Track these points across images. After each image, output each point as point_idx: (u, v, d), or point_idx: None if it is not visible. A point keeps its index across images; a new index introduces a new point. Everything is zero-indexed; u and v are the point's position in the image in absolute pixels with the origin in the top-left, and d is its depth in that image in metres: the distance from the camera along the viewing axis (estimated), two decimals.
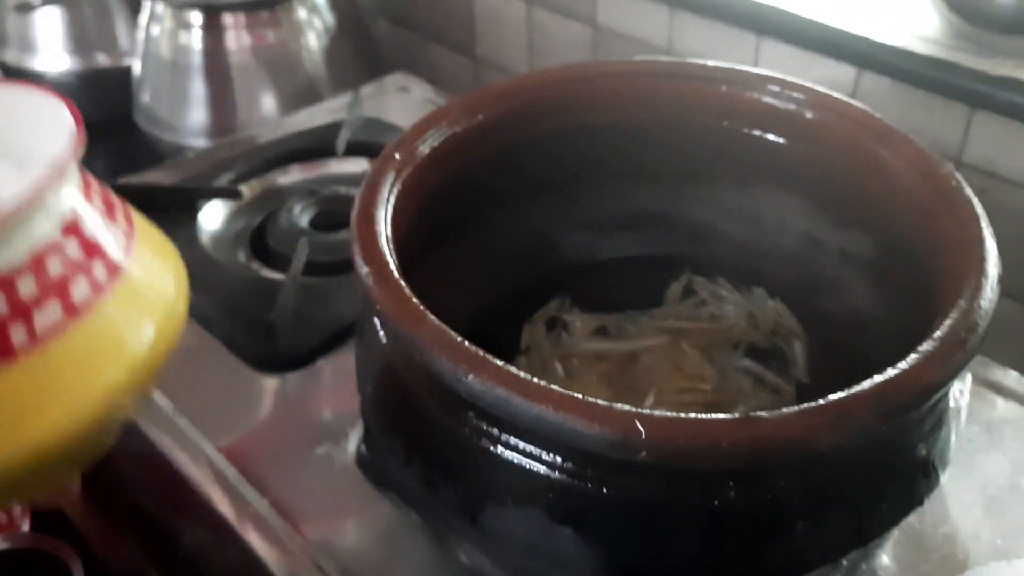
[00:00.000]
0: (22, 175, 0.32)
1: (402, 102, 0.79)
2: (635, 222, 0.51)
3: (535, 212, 0.49)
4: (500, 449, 0.33)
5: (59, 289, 0.31)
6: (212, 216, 0.64)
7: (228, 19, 0.79)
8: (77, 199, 0.35)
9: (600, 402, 0.29)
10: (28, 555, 0.45)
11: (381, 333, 0.38)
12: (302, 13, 0.82)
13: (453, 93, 0.83)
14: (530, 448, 0.32)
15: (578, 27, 0.83)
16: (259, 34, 0.80)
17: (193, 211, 0.63)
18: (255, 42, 0.80)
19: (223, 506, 0.46)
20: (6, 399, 0.29)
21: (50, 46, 0.89)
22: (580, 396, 0.30)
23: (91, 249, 0.33)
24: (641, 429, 0.29)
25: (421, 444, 0.36)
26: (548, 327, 0.49)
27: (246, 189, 0.67)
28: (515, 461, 0.32)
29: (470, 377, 0.31)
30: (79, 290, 0.32)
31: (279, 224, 0.63)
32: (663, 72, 0.48)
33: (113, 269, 0.34)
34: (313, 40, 0.82)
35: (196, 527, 0.50)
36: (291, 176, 0.70)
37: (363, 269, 0.36)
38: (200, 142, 0.81)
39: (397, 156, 0.42)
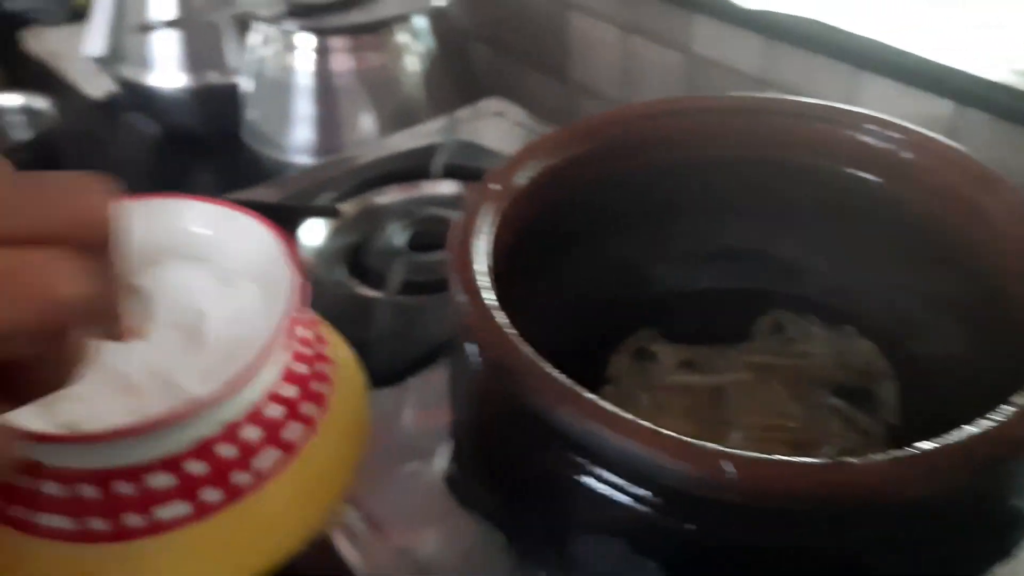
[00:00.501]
0: (252, 312, 0.33)
1: (497, 126, 0.81)
2: (725, 256, 0.51)
3: (626, 243, 0.50)
4: (588, 480, 0.33)
5: (276, 431, 0.32)
6: (313, 233, 0.67)
7: (334, 42, 0.82)
8: (294, 335, 0.35)
9: (688, 440, 0.30)
10: None
11: (474, 360, 0.39)
12: (404, 37, 0.84)
13: (546, 118, 0.85)
14: (617, 480, 0.33)
15: (673, 55, 0.83)
16: (362, 57, 0.83)
17: (295, 228, 0.66)
18: (358, 65, 0.83)
19: None
20: (230, 538, 0.31)
21: (165, 63, 0.94)
22: (669, 433, 0.30)
23: (304, 387, 0.34)
24: (729, 469, 0.29)
25: (510, 470, 0.37)
26: (635, 357, 0.50)
27: (346, 208, 0.69)
28: (602, 492, 0.33)
29: (561, 409, 0.32)
30: (293, 430, 0.33)
31: (376, 243, 0.65)
32: (758, 108, 0.48)
33: (321, 402, 0.34)
34: (413, 64, 0.85)
35: None
36: (388, 196, 0.72)
37: (460, 298, 0.38)
38: (302, 160, 0.84)
39: (495, 187, 0.44)
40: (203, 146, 0.98)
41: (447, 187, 0.73)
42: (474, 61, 0.98)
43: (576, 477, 0.34)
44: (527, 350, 0.34)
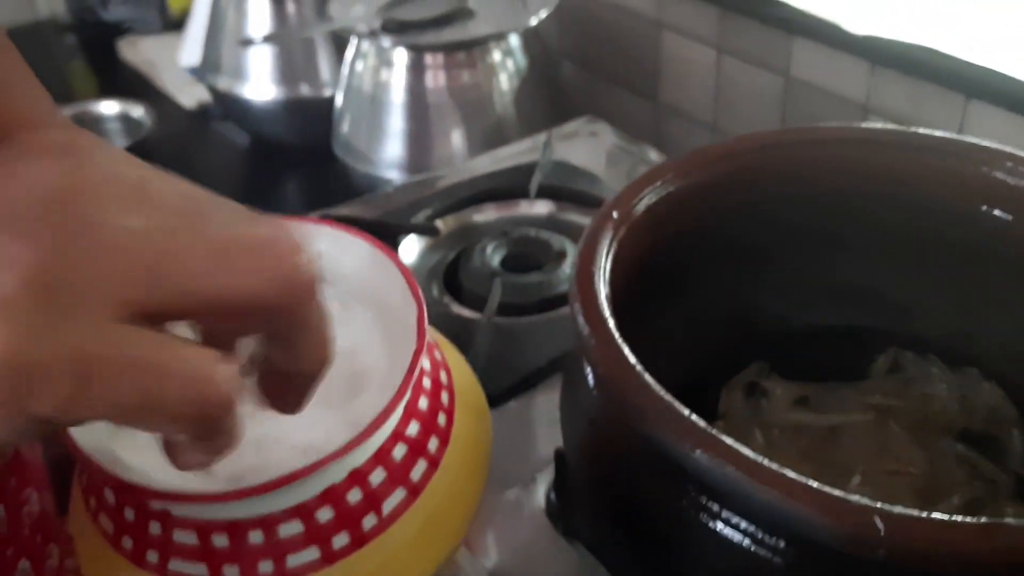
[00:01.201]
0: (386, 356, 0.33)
1: (590, 146, 0.80)
2: (841, 291, 0.50)
3: (739, 275, 0.49)
4: (720, 526, 0.32)
5: (401, 472, 0.32)
6: (409, 249, 0.67)
7: (428, 59, 0.82)
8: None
9: (836, 493, 0.29)
10: None
11: (595, 393, 0.38)
12: (497, 55, 0.84)
13: (635, 138, 0.84)
14: (753, 529, 0.32)
15: (769, 77, 0.82)
16: (455, 75, 0.83)
17: (393, 245, 0.66)
18: (451, 82, 0.83)
19: None
20: None
21: (259, 76, 0.95)
22: (815, 485, 0.29)
23: (426, 423, 0.33)
24: (880, 526, 0.28)
25: (632, 509, 0.37)
26: (746, 393, 0.49)
27: (441, 225, 0.69)
28: (735, 540, 0.32)
29: (698, 453, 0.31)
30: (418, 468, 0.32)
31: (472, 262, 0.64)
32: (886, 141, 0.47)
33: (443, 435, 0.34)
34: (505, 82, 0.85)
35: None
36: (484, 215, 0.72)
37: (584, 331, 0.37)
38: (393, 175, 0.84)
39: (615, 215, 0.43)
40: (294, 157, 0.99)
41: (541, 207, 0.72)
42: (563, 80, 0.98)
43: (705, 521, 0.33)
44: (659, 389, 0.33)
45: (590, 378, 0.38)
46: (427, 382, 0.34)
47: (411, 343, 0.32)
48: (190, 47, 1.07)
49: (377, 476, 0.31)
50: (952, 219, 0.46)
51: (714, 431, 0.31)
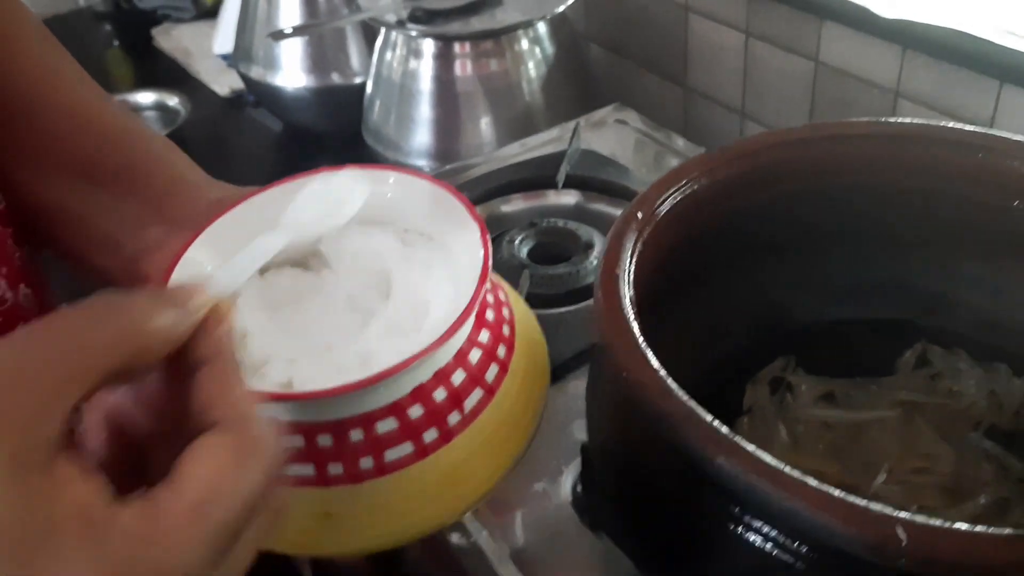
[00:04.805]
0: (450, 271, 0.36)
1: (618, 135, 0.80)
2: (869, 286, 0.50)
3: (766, 271, 0.49)
4: (742, 530, 0.33)
5: (479, 374, 0.35)
6: None
7: (456, 48, 0.82)
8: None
9: (858, 502, 0.29)
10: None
11: (617, 396, 0.39)
12: (524, 43, 0.84)
13: (662, 123, 0.83)
14: (775, 535, 0.32)
15: (798, 62, 0.81)
16: (483, 63, 0.83)
17: None
18: (479, 71, 0.83)
19: (448, 536, 0.49)
20: (446, 473, 0.34)
21: (291, 65, 0.96)
22: (838, 494, 0.29)
23: (494, 331, 0.36)
24: (902, 536, 0.28)
25: (654, 508, 0.37)
26: (772, 388, 0.49)
27: None
28: (757, 544, 0.33)
29: (720, 460, 0.31)
30: (492, 371, 0.35)
31: (500, 254, 0.65)
32: (915, 135, 0.46)
33: (509, 343, 0.37)
34: (532, 69, 0.85)
35: (420, 553, 0.52)
36: (512, 205, 0.72)
37: (608, 335, 0.37)
38: (422, 163, 0.84)
39: (639, 215, 0.43)
40: (325, 144, 1.00)
41: (568, 197, 0.73)
42: (591, 64, 0.97)
43: (727, 525, 0.33)
44: (682, 395, 0.34)
45: (618, 384, 0.39)
46: (491, 298, 0.37)
47: (477, 265, 0.35)
48: (223, 35, 1.08)
49: (458, 376, 0.34)
50: (983, 214, 0.46)
51: (737, 438, 0.32)
